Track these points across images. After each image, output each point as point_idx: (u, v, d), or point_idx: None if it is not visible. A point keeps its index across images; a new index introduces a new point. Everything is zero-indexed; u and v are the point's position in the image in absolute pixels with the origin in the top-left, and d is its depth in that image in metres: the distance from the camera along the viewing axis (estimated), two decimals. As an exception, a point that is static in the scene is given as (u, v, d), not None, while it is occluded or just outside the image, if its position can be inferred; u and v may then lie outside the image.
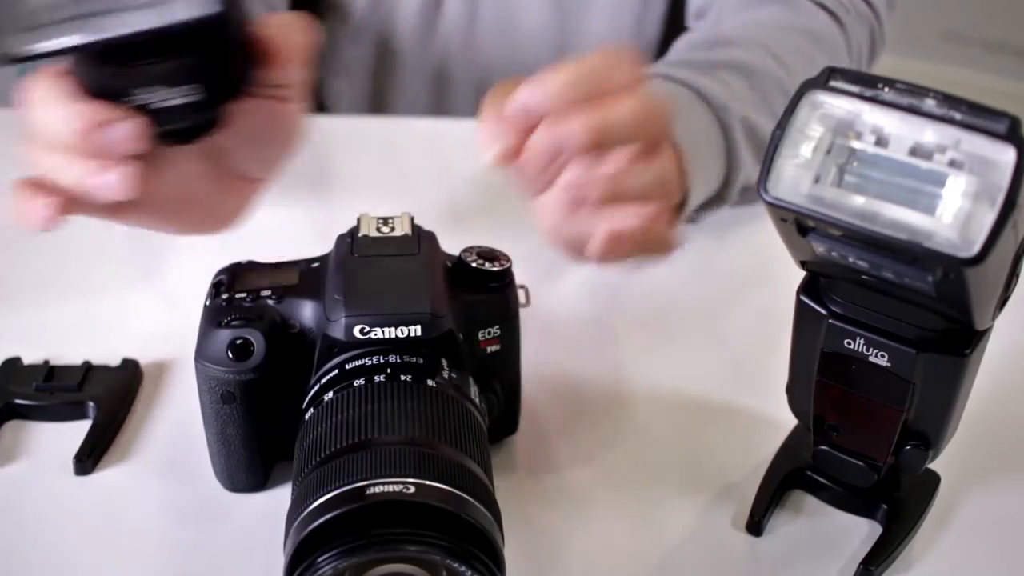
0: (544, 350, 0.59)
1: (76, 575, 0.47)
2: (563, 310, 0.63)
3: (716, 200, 0.62)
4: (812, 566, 0.48)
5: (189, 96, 0.40)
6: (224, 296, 0.48)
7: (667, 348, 0.61)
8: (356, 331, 0.46)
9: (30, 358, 0.57)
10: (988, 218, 0.36)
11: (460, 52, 0.87)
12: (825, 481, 0.50)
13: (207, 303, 0.49)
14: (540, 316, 0.59)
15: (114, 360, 0.57)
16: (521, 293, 0.51)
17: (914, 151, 0.38)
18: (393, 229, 0.49)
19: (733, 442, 0.55)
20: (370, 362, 0.46)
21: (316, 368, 0.47)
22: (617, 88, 0.49)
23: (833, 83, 0.39)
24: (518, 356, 0.51)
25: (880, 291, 0.41)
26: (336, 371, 0.46)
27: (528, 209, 0.52)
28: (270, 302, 0.48)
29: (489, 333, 0.50)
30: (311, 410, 0.45)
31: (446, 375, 0.46)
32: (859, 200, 0.38)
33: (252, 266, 0.51)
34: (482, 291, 0.49)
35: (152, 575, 0.47)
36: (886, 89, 0.38)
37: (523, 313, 0.51)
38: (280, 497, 0.49)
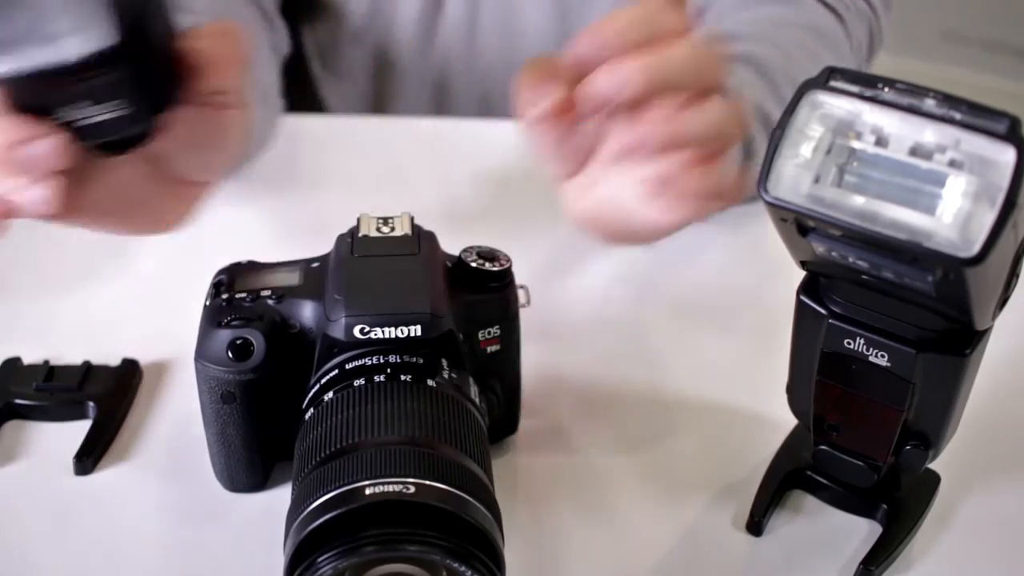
0: (544, 350, 0.59)
1: (76, 575, 0.47)
2: (563, 310, 0.63)
3: None
4: (812, 566, 0.48)
5: (116, 111, 0.41)
6: (224, 296, 0.48)
7: (667, 348, 0.61)
8: (356, 331, 0.46)
9: (30, 358, 0.57)
10: (988, 218, 0.36)
11: (460, 56, 0.86)
12: (825, 481, 0.50)
13: (207, 303, 0.49)
14: (540, 316, 0.59)
15: (114, 360, 0.57)
16: (521, 293, 0.51)
17: (914, 151, 0.38)
18: (393, 229, 0.49)
19: (733, 442, 0.55)
20: (370, 362, 0.46)
21: (316, 368, 0.47)
22: (670, 35, 0.48)
23: (833, 83, 0.39)
24: (518, 356, 0.51)
25: (880, 291, 0.41)
26: (336, 371, 0.46)
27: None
28: (270, 302, 0.48)
29: (489, 333, 0.50)
30: (311, 410, 0.45)
31: (446, 375, 0.46)
32: (859, 200, 0.38)
33: (252, 266, 0.51)
34: (482, 291, 0.49)
35: (152, 575, 0.47)
36: (886, 89, 0.38)
37: (523, 313, 0.51)
38: (280, 497, 0.49)
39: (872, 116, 0.38)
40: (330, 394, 0.45)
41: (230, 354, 0.46)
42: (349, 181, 0.74)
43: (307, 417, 0.45)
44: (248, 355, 0.47)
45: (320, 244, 0.51)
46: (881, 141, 0.38)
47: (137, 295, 0.63)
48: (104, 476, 0.52)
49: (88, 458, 0.52)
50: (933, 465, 0.48)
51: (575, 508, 0.51)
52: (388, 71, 0.88)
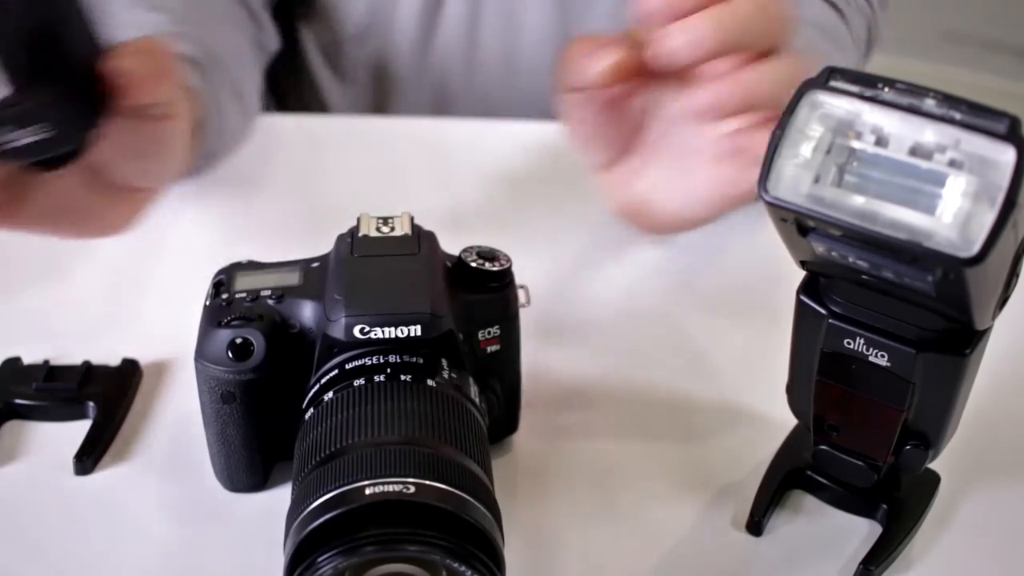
0: (544, 350, 0.59)
1: (76, 575, 0.47)
2: (563, 310, 0.63)
3: None
4: (812, 566, 0.48)
5: (40, 134, 0.42)
6: (224, 296, 0.48)
7: (667, 348, 0.61)
8: (356, 331, 0.46)
9: (30, 358, 0.57)
10: (988, 218, 0.36)
11: (461, 56, 0.86)
12: (825, 481, 0.50)
13: (207, 303, 0.49)
14: (540, 316, 0.59)
15: (114, 360, 0.57)
16: (521, 293, 0.51)
17: (914, 151, 0.38)
18: (393, 229, 0.49)
19: (733, 442, 0.55)
20: (370, 362, 0.46)
21: (316, 368, 0.47)
22: None
23: (833, 83, 0.39)
24: (518, 356, 0.51)
25: (880, 291, 0.41)
26: (336, 371, 0.46)
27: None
28: (270, 302, 0.48)
29: (489, 333, 0.50)
30: (311, 410, 0.45)
31: (446, 375, 0.46)
32: (859, 200, 0.38)
33: (252, 266, 0.51)
34: (482, 291, 0.49)
35: (152, 575, 0.47)
36: (886, 89, 0.38)
37: (523, 313, 0.51)
38: (280, 497, 0.49)
39: (872, 116, 0.38)
40: (330, 394, 0.45)
41: (230, 354, 0.46)
42: (349, 181, 0.74)
43: (307, 417, 0.45)
44: (248, 355, 0.47)
45: (320, 244, 0.51)
46: (881, 141, 0.38)
47: (137, 295, 0.63)
48: (104, 476, 0.52)
49: (88, 458, 0.52)
50: (933, 465, 0.48)
51: (575, 508, 0.51)
52: (388, 71, 0.88)
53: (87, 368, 0.56)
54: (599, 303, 0.64)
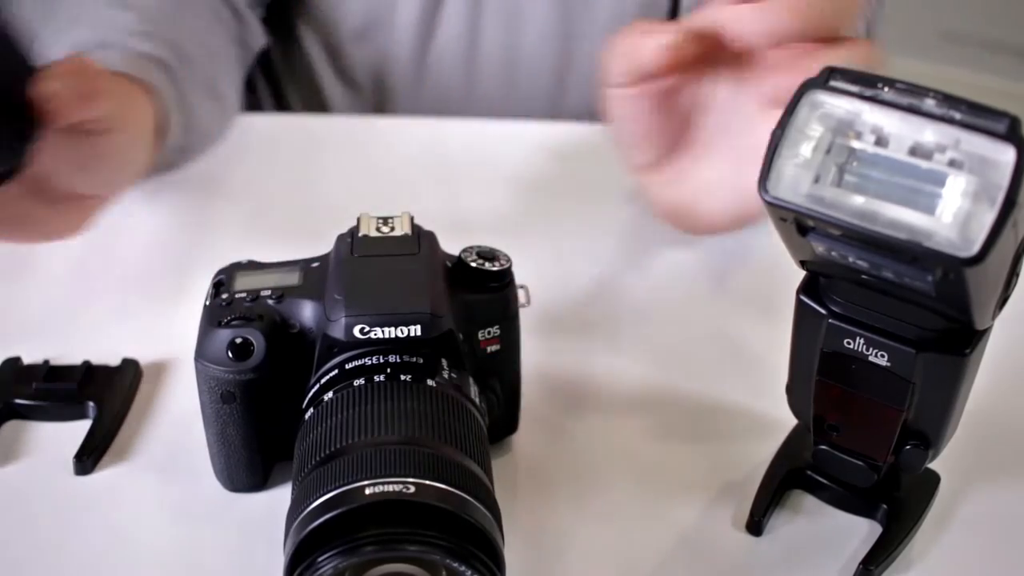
0: (544, 350, 0.59)
1: (76, 575, 0.47)
2: (563, 310, 0.63)
3: None
4: (812, 566, 0.48)
5: None
6: (224, 296, 0.48)
7: (667, 348, 0.61)
8: (356, 331, 0.46)
9: (30, 358, 0.57)
10: (988, 218, 0.36)
11: (461, 57, 0.86)
12: (825, 481, 0.50)
13: (207, 303, 0.49)
14: (540, 316, 0.59)
15: (114, 360, 0.57)
16: (521, 293, 0.51)
17: (914, 151, 0.38)
18: (393, 229, 0.49)
19: (733, 442, 0.55)
20: (370, 362, 0.46)
21: (316, 368, 0.47)
22: None
23: (833, 83, 0.39)
24: (518, 356, 0.51)
25: (880, 291, 0.41)
26: (336, 371, 0.46)
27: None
28: (270, 302, 0.48)
29: (489, 333, 0.50)
30: (311, 410, 0.45)
31: (446, 375, 0.46)
32: (859, 200, 0.38)
33: (252, 266, 0.51)
34: (482, 291, 0.49)
35: (152, 575, 0.47)
36: (886, 89, 0.38)
37: (523, 313, 0.51)
38: (280, 497, 0.49)
39: (872, 116, 0.38)
40: (330, 394, 0.45)
41: (230, 354, 0.46)
42: (349, 181, 0.74)
43: (307, 417, 0.45)
44: (248, 355, 0.47)
45: (320, 244, 0.51)
46: (881, 141, 0.38)
47: (137, 295, 0.63)
48: (104, 476, 0.52)
49: (88, 458, 0.52)
50: (933, 465, 0.48)
51: (575, 508, 0.51)
52: (389, 71, 0.88)
53: (87, 368, 0.56)
54: (599, 303, 0.64)
